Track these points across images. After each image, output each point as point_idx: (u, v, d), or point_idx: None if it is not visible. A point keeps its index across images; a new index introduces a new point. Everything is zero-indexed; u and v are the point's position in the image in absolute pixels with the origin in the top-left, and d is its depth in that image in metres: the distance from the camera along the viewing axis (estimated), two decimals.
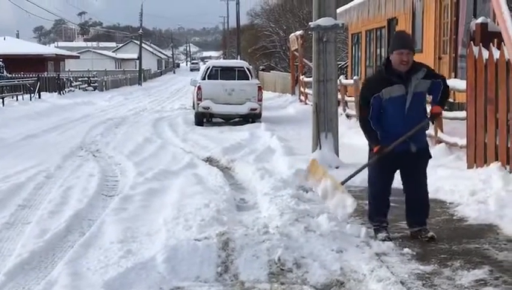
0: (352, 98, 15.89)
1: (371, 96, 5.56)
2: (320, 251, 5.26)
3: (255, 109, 18.20)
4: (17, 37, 67.04)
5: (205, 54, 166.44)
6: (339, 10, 20.08)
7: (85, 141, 14.46)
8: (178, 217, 6.48)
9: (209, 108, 18.09)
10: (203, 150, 12.54)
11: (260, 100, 18.38)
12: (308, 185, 7.10)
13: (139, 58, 61.58)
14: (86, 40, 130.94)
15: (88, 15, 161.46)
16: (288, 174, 8.57)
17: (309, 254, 5.22)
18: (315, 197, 7.37)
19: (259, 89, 18.58)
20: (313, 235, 5.64)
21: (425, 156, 5.78)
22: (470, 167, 8.39)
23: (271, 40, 43.59)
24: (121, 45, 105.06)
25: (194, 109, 19.45)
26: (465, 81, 8.76)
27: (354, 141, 11.87)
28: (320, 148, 10.19)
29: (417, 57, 5.98)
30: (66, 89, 37.07)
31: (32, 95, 29.08)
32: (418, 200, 5.77)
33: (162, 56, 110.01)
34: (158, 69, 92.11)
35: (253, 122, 18.09)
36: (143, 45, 68.24)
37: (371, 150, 5.80)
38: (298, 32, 27.55)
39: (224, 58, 69.40)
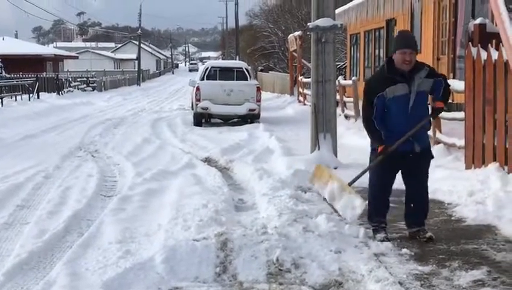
0: (351, 99, 15.91)
1: (375, 96, 5.55)
2: (319, 252, 5.26)
3: (254, 110, 18.21)
4: (16, 37, 67.03)
5: (204, 54, 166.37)
6: (337, 11, 20.12)
7: (84, 141, 14.46)
8: (176, 217, 6.48)
9: (207, 108, 18.09)
10: (201, 150, 12.54)
11: (259, 101, 18.39)
12: (314, 188, 7.04)
13: (138, 58, 61.55)
14: (84, 41, 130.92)
15: (87, 15, 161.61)
16: (287, 174, 8.57)
17: (307, 254, 5.22)
18: (313, 197, 7.39)
19: (258, 89, 18.59)
20: (312, 236, 5.64)
21: (428, 156, 5.78)
22: (468, 167, 8.40)
23: (270, 41, 43.59)
24: (119, 45, 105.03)
25: (192, 109, 19.46)
26: (463, 82, 8.77)
27: (352, 142, 11.89)
28: (318, 149, 10.20)
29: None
30: (65, 90, 37.06)
31: (31, 95, 29.06)
32: (419, 201, 5.78)
33: (161, 56, 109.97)
34: (157, 70, 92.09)
35: (251, 122, 18.10)
36: (142, 45, 68.20)
37: (373, 150, 5.80)
38: (297, 33, 27.56)
39: (223, 59, 69.37)
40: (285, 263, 5.06)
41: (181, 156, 11.69)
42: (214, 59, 77.44)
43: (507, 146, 7.53)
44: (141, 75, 59.52)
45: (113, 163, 11.07)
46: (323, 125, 10.31)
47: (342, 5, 23.44)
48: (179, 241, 5.54)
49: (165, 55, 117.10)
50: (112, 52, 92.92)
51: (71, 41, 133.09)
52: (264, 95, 24.74)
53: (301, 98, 24.44)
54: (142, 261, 5.07)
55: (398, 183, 5.87)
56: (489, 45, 8.00)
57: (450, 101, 6.06)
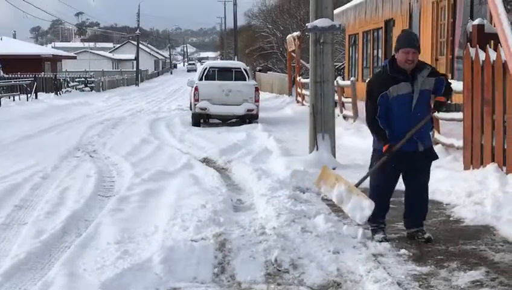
0: (349, 100, 15.91)
1: (378, 95, 5.55)
2: (317, 252, 5.26)
3: (252, 110, 18.20)
4: (14, 37, 67.09)
5: (202, 54, 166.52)
6: (336, 11, 20.15)
7: (82, 141, 14.44)
8: (175, 218, 6.48)
9: (206, 109, 18.09)
10: (200, 150, 12.53)
11: (257, 101, 18.39)
12: (321, 192, 7.01)
13: (136, 58, 61.57)
14: (83, 41, 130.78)
15: (85, 15, 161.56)
16: (285, 175, 8.57)
17: (306, 254, 5.22)
18: (312, 198, 7.38)
19: (256, 90, 18.58)
20: (310, 236, 5.64)
21: (431, 155, 5.78)
22: (466, 168, 8.40)
23: (268, 41, 43.62)
24: (118, 45, 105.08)
25: (191, 109, 19.44)
26: (461, 83, 8.77)
27: (351, 142, 11.89)
28: (317, 149, 10.19)
29: None
30: (63, 90, 37.06)
31: (29, 95, 29.06)
32: (419, 201, 5.77)
33: (159, 57, 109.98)
34: (155, 70, 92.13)
35: (250, 123, 18.09)
36: (140, 45, 68.19)
37: (374, 150, 5.79)
38: (295, 33, 27.58)
39: (221, 59, 69.43)
40: (284, 264, 5.06)
41: (179, 156, 11.68)
42: (213, 59, 77.39)
43: (505, 147, 7.54)
44: (139, 75, 59.54)
45: (111, 163, 11.05)
46: (321, 126, 10.30)
47: (341, 6, 23.46)
48: (177, 241, 5.53)
49: (163, 56, 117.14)
50: (110, 52, 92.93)
51: (69, 42, 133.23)
52: (263, 95, 24.73)
53: (299, 99, 24.45)
54: (140, 261, 5.06)
55: (398, 183, 5.86)
56: (488, 45, 8.00)
57: (449, 101, 6.05)
